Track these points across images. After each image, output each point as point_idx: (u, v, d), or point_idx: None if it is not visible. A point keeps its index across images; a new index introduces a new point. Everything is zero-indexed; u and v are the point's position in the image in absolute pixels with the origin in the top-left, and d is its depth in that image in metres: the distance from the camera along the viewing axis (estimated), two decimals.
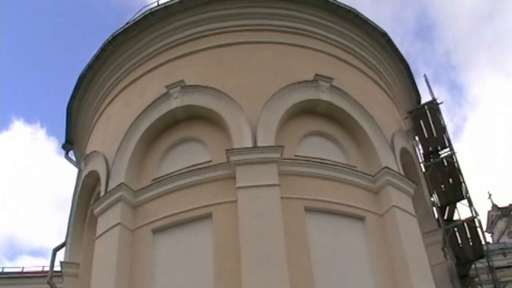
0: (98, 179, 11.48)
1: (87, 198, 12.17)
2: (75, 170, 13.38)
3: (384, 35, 12.97)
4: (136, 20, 12.26)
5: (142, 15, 12.21)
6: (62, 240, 12.52)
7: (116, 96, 12.50)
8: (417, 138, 13.58)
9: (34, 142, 54.98)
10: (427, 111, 13.60)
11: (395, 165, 10.79)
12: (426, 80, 14.24)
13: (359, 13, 12.56)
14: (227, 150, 9.71)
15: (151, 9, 12.20)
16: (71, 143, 13.88)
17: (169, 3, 12.08)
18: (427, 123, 13.55)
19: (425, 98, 14.16)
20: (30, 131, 57.38)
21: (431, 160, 13.14)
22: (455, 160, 13.01)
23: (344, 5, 12.48)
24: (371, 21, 12.74)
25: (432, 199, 12.73)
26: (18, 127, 56.22)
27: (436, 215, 12.49)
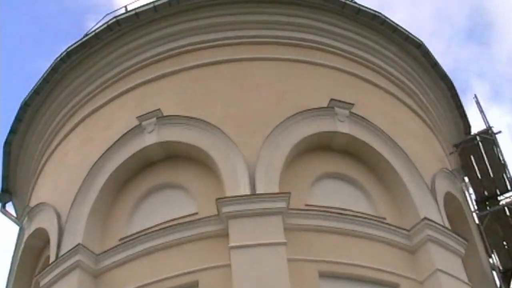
0: (47, 240, 11.75)
1: (31, 265, 12.44)
2: (15, 228, 13.66)
3: (419, 45, 13.59)
4: (97, 31, 12.80)
5: (106, 25, 12.75)
6: None
7: (72, 130, 12.88)
8: (467, 179, 14.03)
9: None
10: (480, 144, 14.00)
11: (438, 215, 11.17)
12: (477, 103, 14.78)
13: (387, 18, 13.24)
14: (217, 199, 10.07)
15: (116, 16, 12.78)
16: (10, 192, 14.29)
17: (141, 9, 12.69)
18: (480, 160, 13.95)
19: (478, 125, 14.53)
20: None
21: (488, 208, 13.52)
22: None
23: (367, 8, 13.16)
24: (402, 28, 13.40)
25: (490, 260, 13.00)
26: None
27: (498, 283, 12.71)
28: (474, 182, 13.95)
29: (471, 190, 13.92)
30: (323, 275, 9.79)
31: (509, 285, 13.17)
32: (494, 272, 12.93)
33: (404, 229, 10.80)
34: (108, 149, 11.37)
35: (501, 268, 13.06)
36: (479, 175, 13.93)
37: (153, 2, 12.72)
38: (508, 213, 13.51)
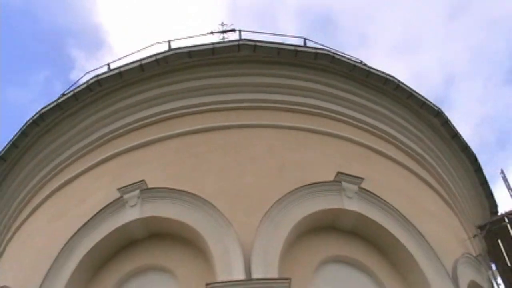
0: None
1: None
2: None
3: (437, 113, 14.02)
4: (76, 91, 13.17)
5: (85, 85, 13.13)
6: None
7: (40, 205, 13.05)
8: (494, 266, 14.24)
9: None
10: (508, 226, 14.15)
11: None
12: (505, 179, 15.16)
13: (401, 82, 13.67)
14: (207, 284, 10.04)
15: (98, 75, 13.20)
16: None
17: (126, 67, 13.14)
18: (509, 244, 14.14)
19: (506, 204, 15.00)
20: None
21: None
22: None
23: (379, 71, 13.59)
24: (418, 93, 13.81)
25: None
26: None
27: None
28: (502, 269, 14.12)
29: (499, 280, 14.08)
30: None
31: None
32: None
33: None
34: (83, 225, 11.29)
35: None
36: (508, 262, 14.14)
37: (139, 60, 13.14)
38: None
